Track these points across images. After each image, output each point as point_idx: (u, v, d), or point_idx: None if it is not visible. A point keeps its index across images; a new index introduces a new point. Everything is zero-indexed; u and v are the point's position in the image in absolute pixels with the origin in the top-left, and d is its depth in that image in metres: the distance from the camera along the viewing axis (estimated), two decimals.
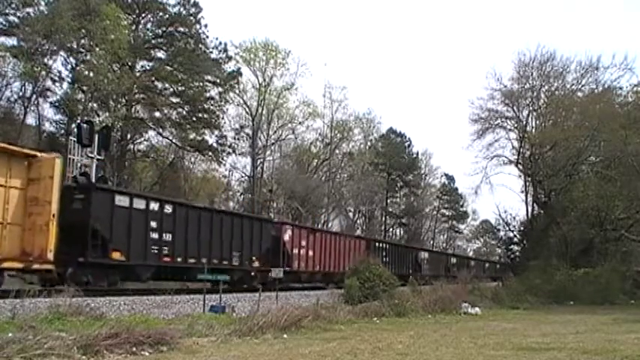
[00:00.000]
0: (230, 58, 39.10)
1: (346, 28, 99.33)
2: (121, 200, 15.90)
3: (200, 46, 36.11)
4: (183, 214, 17.84)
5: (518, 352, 10.18)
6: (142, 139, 37.74)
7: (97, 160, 19.68)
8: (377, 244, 31.90)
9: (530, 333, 14.05)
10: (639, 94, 34.89)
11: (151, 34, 35.97)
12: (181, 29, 35.69)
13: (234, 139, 42.49)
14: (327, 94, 47.42)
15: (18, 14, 28.98)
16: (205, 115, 37.28)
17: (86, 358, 8.25)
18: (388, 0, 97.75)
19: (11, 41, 28.65)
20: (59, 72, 31.51)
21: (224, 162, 41.86)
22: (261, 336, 11.49)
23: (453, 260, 46.13)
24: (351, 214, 57.68)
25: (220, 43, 37.61)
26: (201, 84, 36.68)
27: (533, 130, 39.54)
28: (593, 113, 32.78)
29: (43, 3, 29.13)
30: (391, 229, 66.58)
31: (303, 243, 23.88)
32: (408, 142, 65.84)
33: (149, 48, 35.46)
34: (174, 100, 36.48)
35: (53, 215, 13.12)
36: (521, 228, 42.31)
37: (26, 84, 28.97)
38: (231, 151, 41.05)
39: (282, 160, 49.59)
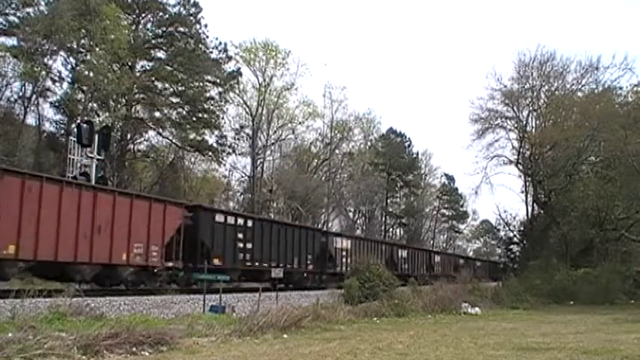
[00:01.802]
0: (230, 58, 39.14)
1: (346, 28, 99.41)
2: None
3: (200, 46, 36.10)
4: None
5: (518, 352, 10.18)
6: (142, 139, 37.78)
7: (97, 160, 19.73)
8: (217, 216, 18.77)
9: (530, 333, 14.04)
10: (639, 94, 34.86)
11: (151, 34, 35.95)
12: (181, 29, 35.68)
13: (234, 139, 42.53)
14: (327, 94, 47.38)
15: (18, 14, 28.96)
16: (205, 115, 37.27)
17: (86, 358, 8.25)
18: (388, 0, 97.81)
19: (11, 41, 28.66)
20: (59, 72, 31.54)
21: (224, 162, 41.91)
22: (261, 336, 11.49)
23: (402, 254, 33.80)
24: (351, 214, 57.68)
25: (220, 43, 37.69)
26: (201, 84, 36.67)
27: (533, 130, 39.55)
28: (593, 113, 32.74)
29: (43, 3, 29.12)
30: (391, 229, 66.59)
31: None
32: (408, 142, 65.94)
33: (149, 48, 35.45)
34: (174, 100, 36.47)
35: None
36: (521, 228, 42.35)
37: (26, 84, 28.93)
38: (231, 151, 41.10)
39: (282, 160, 49.58)
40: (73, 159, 19.44)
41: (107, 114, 31.34)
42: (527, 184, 40.79)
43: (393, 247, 34.21)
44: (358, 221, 59.32)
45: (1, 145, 26.91)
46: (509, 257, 45.74)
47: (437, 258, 41.05)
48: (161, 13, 35.48)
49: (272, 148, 47.26)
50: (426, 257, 38.76)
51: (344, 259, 26.19)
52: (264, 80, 43.31)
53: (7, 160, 23.81)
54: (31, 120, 31.15)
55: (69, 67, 31.80)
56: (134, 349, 9.01)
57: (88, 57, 30.51)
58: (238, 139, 43.20)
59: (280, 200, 46.35)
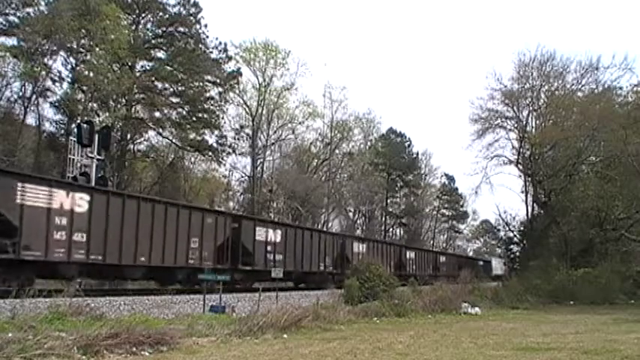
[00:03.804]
0: (230, 58, 39.08)
1: (346, 28, 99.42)
2: None
3: (200, 46, 36.07)
4: None
5: (518, 352, 10.18)
6: (142, 139, 37.73)
7: (97, 160, 19.71)
8: None
9: (530, 333, 14.04)
10: (639, 94, 34.85)
11: (151, 34, 35.93)
12: (181, 29, 35.66)
13: (234, 139, 42.46)
14: (327, 94, 47.38)
15: (18, 14, 28.94)
16: (205, 115, 37.23)
17: (86, 358, 8.25)
18: (388, 0, 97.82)
19: (11, 41, 28.63)
20: (59, 72, 31.51)
21: (224, 162, 41.85)
22: (261, 336, 11.48)
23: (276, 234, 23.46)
24: (351, 214, 57.65)
25: (220, 43, 37.63)
26: (201, 84, 36.63)
27: (533, 130, 39.55)
28: (593, 113, 32.73)
29: (43, 3, 29.10)
30: (391, 229, 66.56)
31: None
32: (408, 142, 65.93)
33: (149, 48, 35.43)
34: (174, 100, 36.44)
35: None
36: (521, 228, 42.34)
37: (26, 84, 28.93)
38: (231, 151, 41.03)
39: (282, 160, 49.55)
40: (73, 159, 19.42)
41: (107, 114, 31.31)
42: (527, 184, 40.80)
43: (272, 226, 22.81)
44: (358, 221, 59.35)
45: (1, 145, 26.90)
46: (509, 257, 45.74)
47: (363, 245, 29.21)
48: (161, 13, 35.44)
49: (272, 148, 47.28)
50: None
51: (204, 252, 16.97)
52: (264, 80, 43.33)
53: (7, 160, 23.80)
54: (31, 120, 31.17)
55: (69, 67, 31.82)
56: (134, 349, 9.00)
57: (88, 57, 30.50)
58: (238, 139, 43.21)
59: (280, 200, 46.35)
